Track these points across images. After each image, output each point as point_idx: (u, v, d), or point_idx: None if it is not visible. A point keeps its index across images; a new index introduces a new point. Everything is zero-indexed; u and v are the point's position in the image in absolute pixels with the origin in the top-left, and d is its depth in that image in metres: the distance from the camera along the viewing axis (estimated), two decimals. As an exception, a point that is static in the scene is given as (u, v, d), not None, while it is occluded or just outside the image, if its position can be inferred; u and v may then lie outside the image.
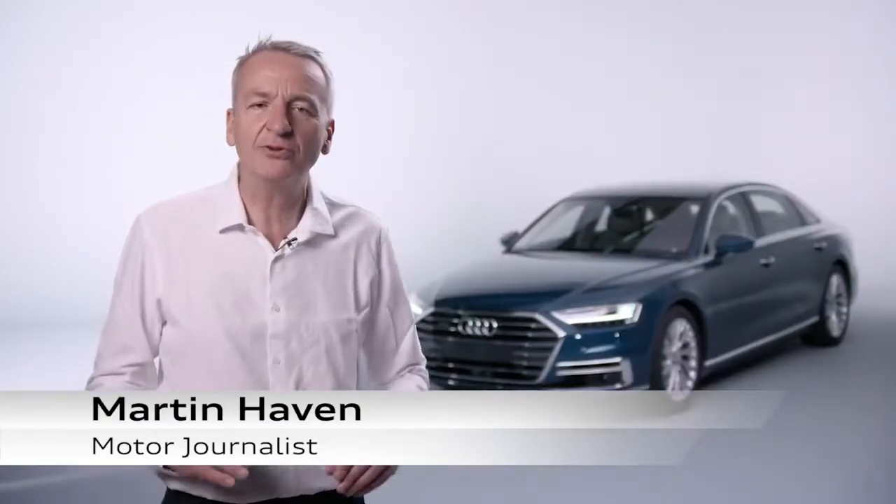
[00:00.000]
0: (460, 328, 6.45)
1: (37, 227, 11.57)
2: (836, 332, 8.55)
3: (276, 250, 1.90)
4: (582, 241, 7.86)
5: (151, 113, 12.01)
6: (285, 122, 1.82)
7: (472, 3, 13.61)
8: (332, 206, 2.00)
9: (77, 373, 7.23)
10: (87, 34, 11.91)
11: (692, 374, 6.63)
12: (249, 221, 1.90)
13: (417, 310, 6.75)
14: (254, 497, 1.88)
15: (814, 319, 8.25)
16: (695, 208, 7.51)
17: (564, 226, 8.06)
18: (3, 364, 8.61)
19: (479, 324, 6.37)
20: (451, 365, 6.50)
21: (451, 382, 6.57)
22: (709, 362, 6.82)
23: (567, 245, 7.81)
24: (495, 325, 6.33)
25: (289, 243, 1.90)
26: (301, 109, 1.85)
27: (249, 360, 1.87)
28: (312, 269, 1.93)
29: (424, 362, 2.17)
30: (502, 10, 13.68)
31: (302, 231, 1.92)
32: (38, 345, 9.48)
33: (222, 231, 1.89)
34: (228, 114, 1.92)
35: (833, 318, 8.51)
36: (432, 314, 6.62)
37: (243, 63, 1.90)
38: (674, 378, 6.47)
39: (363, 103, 11.99)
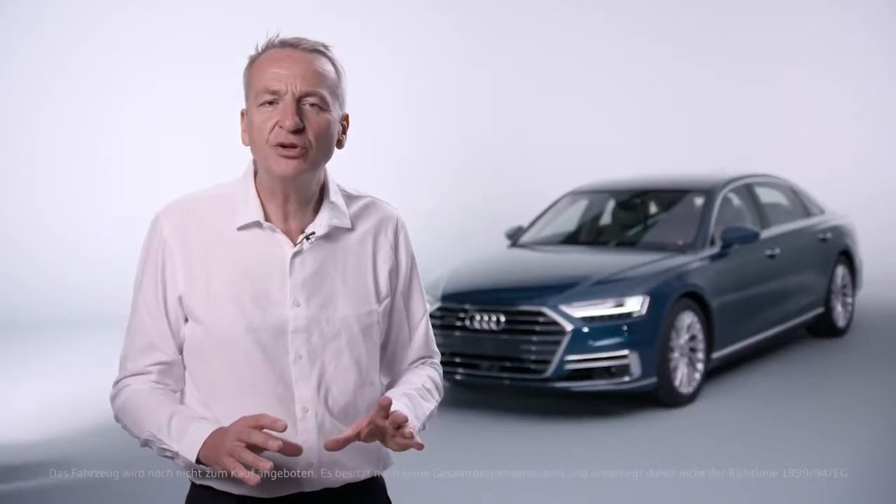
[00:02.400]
0: (467, 322, 6.42)
1: (36, 228, 11.56)
2: (841, 323, 8.54)
3: (295, 245, 1.89)
4: (587, 235, 7.85)
5: (151, 113, 12.01)
6: (296, 119, 1.80)
7: (473, 3, 13.60)
8: (349, 197, 1.99)
9: (75, 372, 7.25)
10: (87, 34, 11.90)
11: (700, 366, 6.61)
12: (267, 218, 1.90)
13: (424, 304, 6.72)
14: (279, 491, 1.88)
15: (819, 310, 8.24)
16: (699, 200, 7.49)
17: (569, 219, 8.04)
18: (2, 364, 8.61)
19: (486, 318, 6.34)
20: (458, 359, 6.47)
21: (458, 377, 6.55)
22: (716, 354, 6.81)
23: (572, 239, 7.80)
24: (503, 319, 6.30)
25: (307, 238, 1.90)
26: (312, 105, 1.83)
27: (271, 355, 1.86)
28: (331, 262, 1.92)
29: (439, 356, 2.16)
30: (504, 8, 13.67)
31: (320, 225, 1.91)
32: (36, 345, 9.47)
33: (240, 228, 1.89)
34: (242, 114, 1.92)
35: (838, 308, 8.51)
36: (439, 309, 6.59)
37: (253, 62, 1.88)
38: (681, 370, 6.46)
39: (366, 100, 11.96)
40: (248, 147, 1.90)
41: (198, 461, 1.77)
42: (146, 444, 1.86)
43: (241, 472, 1.66)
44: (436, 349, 2.15)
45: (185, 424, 1.80)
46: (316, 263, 1.90)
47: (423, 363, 2.11)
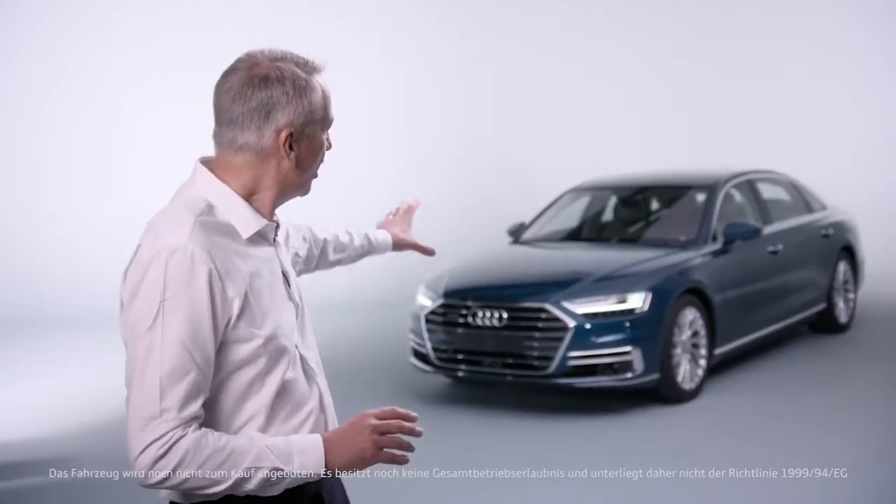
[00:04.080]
0: (470, 319, 6.40)
1: (36, 227, 11.56)
2: (843, 319, 8.51)
3: (273, 243, 1.97)
4: (589, 231, 7.83)
5: (151, 113, 11.99)
6: None
7: (474, 3, 13.58)
8: None
9: (75, 371, 7.23)
10: (87, 34, 11.89)
11: (702, 362, 6.59)
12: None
13: (426, 301, 6.70)
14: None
15: (821, 306, 8.22)
16: (701, 196, 7.47)
17: (571, 216, 8.02)
18: (2, 363, 8.61)
19: (488, 315, 6.32)
20: (461, 356, 6.45)
21: (460, 374, 6.53)
22: (718, 350, 6.79)
23: (574, 235, 7.78)
24: (505, 315, 6.28)
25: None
26: None
27: (296, 348, 1.94)
28: (281, 251, 2.02)
29: None
30: (504, 8, 13.65)
31: (280, 221, 2.00)
32: (36, 344, 9.48)
33: (251, 237, 1.89)
34: (292, 135, 1.87)
35: (840, 304, 8.48)
36: (441, 306, 6.57)
37: (316, 87, 1.89)
38: (684, 366, 6.44)
39: (367, 100, 11.96)
40: (291, 166, 1.89)
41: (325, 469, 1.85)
42: (238, 484, 1.77)
43: (400, 459, 1.88)
44: None
45: (280, 444, 1.82)
46: (284, 255, 2.02)
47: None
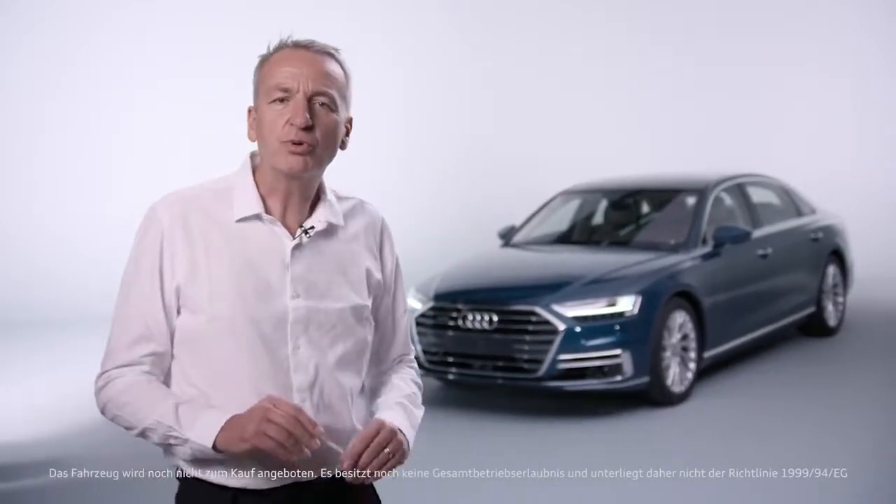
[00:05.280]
0: (460, 322, 6.46)
1: (35, 228, 11.60)
2: (832, 322, 8.58)
3: (294, 239, 1.95)
4: (579, 234, 7.89)
5: (150, 113, 12.05)
6: (307, 116, 1.87)
7: (472, 3, 13.63)
8: (338, 198, 2.07)
9: (75, 371, 7.20)
10: (87, 34, 11.94)
11: (692, 365, 6.67)
12: (267, 212, 1.96)
13: (417, 304, 6.78)
14: (277, 481, 1.93)
15: (810, 310, 8.29)
16: (691, 200, 7.53)
17: (561, 219, 8.09)
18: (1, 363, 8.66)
19: (479, 317, 6.39)
20: (451, 359, 6.53)
21: (450, 377, 6.61)
22: (708, 353, 6.86)
23: (564, 238, 7.84)
24: (495, 318, 6.34)
25: (305, 232, 1.96)
26: (322, 105, 1.90)
27: (271, 345, 1.91)
28: (327, 257, 1.99)
29: (413, 353, 2.27)
30: (502, 8, 13.69)
31: (318, 221, 1.98)
32: (36, 344, 9.52)
33: (240, 220, 1.93)
34: (250, 111, 1.97)
35: (830, 308, 8.54)
36: (432, 308, 6.64)
37: (265, 61, 1.95)
38: (673, 369, 6.51)
39: (364, 100, 11.99)
40: (255, 143, 1.96)
41: (213, 448, 1.81)
42: (144, 433, 1.88)
43: (281, 452, 1.76)
44: (411, 346, 2.26)
45: (196, 412, 1.84)
46: (313, 257, 1.96)
47: (401, 362, 2.21)
